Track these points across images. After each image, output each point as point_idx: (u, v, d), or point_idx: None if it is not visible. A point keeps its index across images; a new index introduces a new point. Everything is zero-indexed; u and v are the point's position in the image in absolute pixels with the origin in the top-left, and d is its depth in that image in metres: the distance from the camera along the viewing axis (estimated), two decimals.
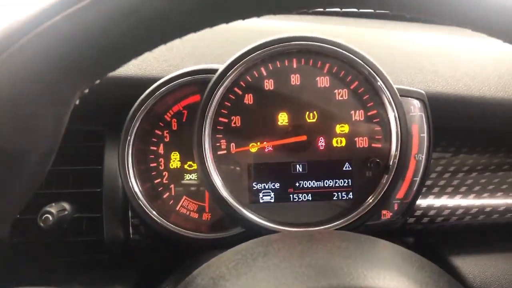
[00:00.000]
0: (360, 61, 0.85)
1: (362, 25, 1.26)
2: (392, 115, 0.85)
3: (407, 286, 0.45)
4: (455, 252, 0.95)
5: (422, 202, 0.97)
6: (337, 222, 0.85)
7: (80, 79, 0.46)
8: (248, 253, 0.54)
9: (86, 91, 0.49)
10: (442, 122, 0.95)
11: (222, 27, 1.13)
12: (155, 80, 0.93)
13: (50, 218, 0.89)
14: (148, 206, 0.90)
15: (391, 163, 0.85)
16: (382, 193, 0.85)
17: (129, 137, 0.90)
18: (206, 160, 0.86)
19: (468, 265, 0.92)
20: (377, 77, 0.84)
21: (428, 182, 0.97)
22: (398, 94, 0.85)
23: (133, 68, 0.96)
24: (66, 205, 0.94)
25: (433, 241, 1.01)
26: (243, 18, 0.44)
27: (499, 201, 0.98)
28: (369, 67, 0.84)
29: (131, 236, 0.96)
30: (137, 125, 0.90)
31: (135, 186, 0.90)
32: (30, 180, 0.47)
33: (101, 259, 0.98)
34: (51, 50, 0.41)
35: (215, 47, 1.02)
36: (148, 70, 0.97)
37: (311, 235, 0.58)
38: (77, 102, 0.49)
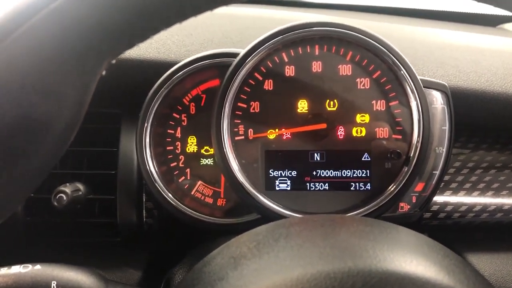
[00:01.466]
0: (384, 49, 0.83)
1: (384, 20, 1.25)
2: (414, 105, 0.84)
3: (434, 272, 0.44)
4: (470, 249, 0.93)
5: (439, 197, 0.95)
6: (354, 212, 0.84)
7: (107, 49, 0.45)
8: (269, 234, 0.53)
9: (114, 61, 0.49)
10: (463, 117, 0.93)
11: (242, 15, 1.13)
12: (173, 64, 0.92)
13: (64, 197, 0.89)
14: (164, 188, 0.89)
15: (411, 155, 0.84)
16: (402, 185, 0.83)
17: (147, 120, 0.89)
18: (224, 145, 0.85)
19: (484, 263, 0.91)
20: (401, 66, 0.83)
21: (446, 178, 0.96)
22: (421, 84, 0.84)
23: (152, 51, 0.96)
24: (81, 186, 0.93)
25: (448, 237, 0.99)
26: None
27: None
28: (393, 55, 0.83)
29: (145, 219, 0.96)
30: (155, 107, 0.89)
31: (152, 168, 0.89)
32: (53, 149, 0.46)
33: (114, 242, 0.98)
34: (78, 18, 0.41)
35: (234, 34, 1.01)
36: (167, 54, 0.96)
37: (333, 219, 0.57)
38: (104, 73, 0.48)
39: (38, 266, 0.67)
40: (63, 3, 0.40)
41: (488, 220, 0.97)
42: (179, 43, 0.99)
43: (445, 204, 0.96)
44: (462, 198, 0.97)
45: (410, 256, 0.46)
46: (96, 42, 0.42)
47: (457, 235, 1.00)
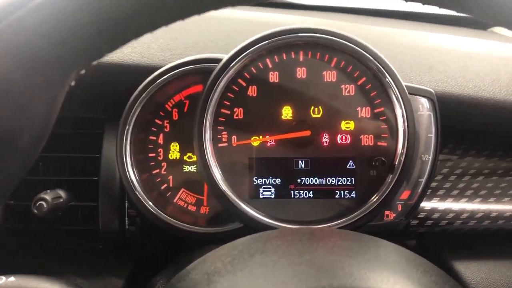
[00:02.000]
0: (369, 56, 0.82)
1: (370, 23, 1.23)
2: (399, 112, 0.83)
3: None
4: (458, 257, 0.93)
5: (426, 204, 0.94)
6: (339, 221, 0.83)
7: (76, 59, 0.43)
8: (245, 248, 0.51)
9: (83, 72, 0.47)
10: (450, 123, 0.92)
11: (228, 19, 1.11)
12: (157, 68, 0.90)
13: (45, 205, 0.87)
14: (144, 196, 0.87)
15: (396, 162, 0.83)
16: (386, 193, 0.82)
17: (128, 126, 0.87)
18: (206, 152, 0.84)
19: (471, 270, 0.90)
20: (386, 73, 0.82)
21: (433, 184, 0.95)
22: (406, 91, 0.82)
23: (136, 55, 0.94)
24: (62, 193, 0.92)
25: (436, 244, 0.99)
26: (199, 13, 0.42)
27: (505, 206, 0.95)
28: (378, 62, 0.82)
29: (127, 227, 0.94)
30: (136, 113, 0.87)
31: (132, 176, 0.88)
32: (21, 162, 0.44)
33: (96, 249, 0.96)
34: (45, 27, 0.39)
35: (220, 38, 1.00)
36: (151, 58, 0.95)
37: (312, 232, 0.56)
38: (73, 84, 0.47)
39: (12, 278, 0.65)
40: (26, 13, 0.38)
41: (475, 227, 0.96)
42: (163, 46, 0.97)
43: (433, 211, 0.95)
44: (449, 205, 0.95)
45: (387, 273, 0.45)
46: (64, 53, 0.41)
47: (445, 242, 0.99)
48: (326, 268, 0.44)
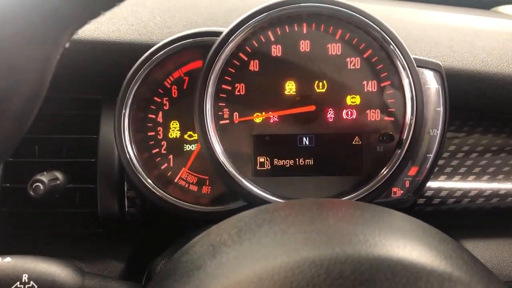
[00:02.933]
0: (375, 26, 0.79)
1: (376, 2, 1.20)
2: (407, 84, 0.80)
3: (430, 257, 0.40)
4: (465, 236, 0.91)
5: (432, 183, 0.92)
6: (345, 198, 0.80)
7: (71, 17, 0.41)
8: (252, 219, 0.49)
9: (78, 31, 0.45)
10: (457, 99, 0.90)
11: None
12: (152, 45, 0.87)
13: (41, 187, 0.85)
14: (145, 176, 0.85)
15: (404, 137, 0.80)
16: (394, 168, 0.80)
17: (125, 104, 0.84)
18: (208, 130, 0.81)
19: (479, 249, 0.88)
20: (392, 42, 0.79)
21: (440, 162, 0.92)
22: (414, 62, 0.80)
23: (133, 33, 0.91)
24: (59, 175, 0.89)
25: (443, 223, 0.96)
26: None
27: None
28: (385, 32, 0.79)
29: (127, 209, 0.92)
30: (134, 91, 0.84)
31: (132, 155, 0.85)
32: (15, 124, 0.42)
33: (95, 232, 0.94)
34: None
35: (220, 14, 0.97)
36: (148, 36, 0.92)
37: (321, 203, 0.53)
38: (67, 45, 0.44)
39: (8, 259, 0.62)
40: None
41: (483, 206, 0.93)
42: (161, 24, 0.94)
43: (439, 189, 0.93)
44: (457, 183, 0.93)
45: (403, 241, 0.42)
46: (61, 4, 0.38)
47: (452, 221, 0.97)
48: (339, 235, 0.42)
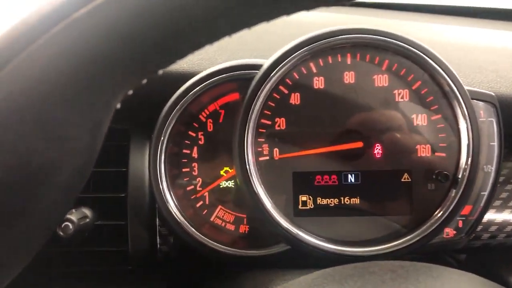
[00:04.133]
0: (426, 57, 0.74)
1: (410, 18, 1.15)
2: (462, 120, 0.75)
3: None
4: None
5: None
6: (396, 243, 0.75)
7: (123, 78, 0.36)
8: None
9: (130, 92, 0.40)
10: (506, 127, 0.84)
11: None
12: (184, 75, 0.83)
13: (71, 226, 0.81)
14: (179, 214, 0.80)
15: (460, 176, 0.74)
16: (450, 209, 0.74)
17: (162, 139, 0.80)
18: (248, 167, 0.76)
19: None
20: (445, 75, 0.74)
21: None
22: (469, 95, 0.74)
23: None
24: (88, 212, 0.85)
25: (489, 259, 0.90)
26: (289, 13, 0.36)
27: None
28: (437, 63, 0.74)
29: (159, 246, 0.87)
30: (171, 125, 0.80)
31: (166, 192, 0.80)
32: (59, 204, 0.37)
33: (125, 270, 0.89)
34: (85, 44, 0.32)
35: (251, 41, 0.92)
36: (178, 64, 0.87)
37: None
38: (119, 106, 0.40)
39: None
40: (63, 29, 0.31)
41: None
42: (197, 53, 0.89)
43: (489, 223, 0.87)
44: (508, 216, 0.87)
45: None
46: (109, 71, 0.34)
47: (499, 256, 0.91)
48: None
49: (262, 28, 0.97)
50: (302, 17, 1.04)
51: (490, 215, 0.87)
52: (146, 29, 0.32)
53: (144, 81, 0.39)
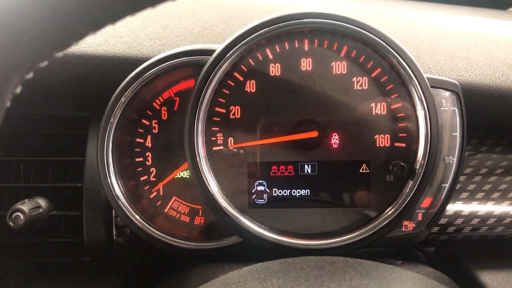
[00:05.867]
0: (385, 44, 0.71)
1: (380, 4, 1.12)
2: (420, 109, 0.72)
3: None
4: (483, 266, 0.83)
5: (447, 208, 0.83)
6: (352, 235, 0.73)
7: (18, 63, 0.34)
8: None
9: (30, 76, 0.38)
10: (474, 117, 0.82)
11: (225, 3, 1.00)
12: (146, 60, 0.80)
13: (21, 217, 0.78)
14: (129, 208, 0.78)
15: (417, 167, 0.72)
16: (406, 202, 0.72)
17: (110, 127, 0.77)
18: (199, 157, 0.73)
19: (498, 282, 0.80)
20: (405, 64, 0.71)
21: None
22: (429, 86, 0.71)
23: (122, 46, 0.84)
24: (42, 202, 0.82)
25: (458, 252, 0.88)
26: None
27: None
28: (396, 51, 0.71)
29: (115, 238, 0.85)
30: (119, 112, 0.77)
31: (115, 185, 0.78)
32: None
33: (82, 262, 0.87)
34: None
35: (216, 25, 0.89)
36: (138, 49, 0.85)
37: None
38: (18, 90, 0.38)
39: None
40: None
41: (504, 234, 0.85)
42: (153, 36, 0.87)
43: (455, 216, 0.85)
44: (474, 209, 0.85)
45: None
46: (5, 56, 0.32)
47: (468, 249, 0.88)
48: None
49: (228, 13, 0.94)
50: (274, 1, 1.01)
51: (456, 207, 0.85)
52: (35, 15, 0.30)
53: (44, 63, 0.36)
